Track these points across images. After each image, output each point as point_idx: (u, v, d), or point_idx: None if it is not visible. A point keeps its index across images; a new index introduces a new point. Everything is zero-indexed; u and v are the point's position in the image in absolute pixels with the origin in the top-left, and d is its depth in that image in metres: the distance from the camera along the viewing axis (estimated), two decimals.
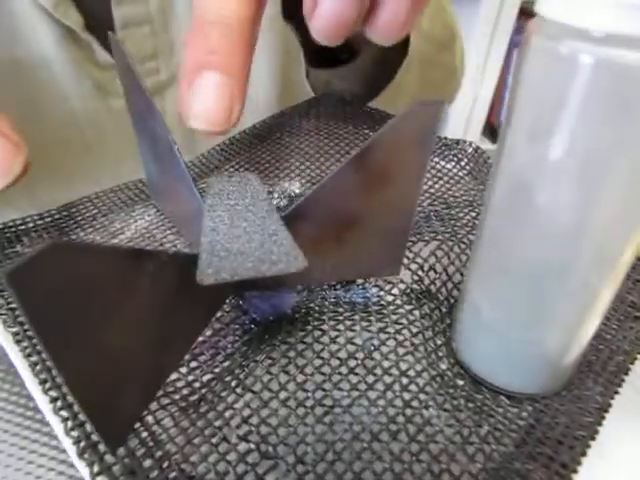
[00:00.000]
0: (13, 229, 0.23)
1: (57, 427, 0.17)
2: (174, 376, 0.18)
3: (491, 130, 1.02)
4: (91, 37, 0.35)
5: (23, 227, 0.24)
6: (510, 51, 0.88)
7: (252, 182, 0.20)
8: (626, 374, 0.19)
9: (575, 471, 0.15)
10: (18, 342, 0.18)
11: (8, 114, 0.21)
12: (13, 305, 0.19)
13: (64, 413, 0.16)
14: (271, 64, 0.40)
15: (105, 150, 0.41)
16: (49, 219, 0.24)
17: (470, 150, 0.28)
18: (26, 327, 0.19)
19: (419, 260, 0.22)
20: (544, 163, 0.14)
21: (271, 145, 0.29)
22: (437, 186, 0.26)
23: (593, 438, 0.16)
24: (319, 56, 0.37)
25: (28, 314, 0.10)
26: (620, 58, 0.12)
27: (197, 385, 0.18)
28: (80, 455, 0.15)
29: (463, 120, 0.91)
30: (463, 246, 0.22)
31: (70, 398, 0.17)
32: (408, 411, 0.17)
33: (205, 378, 0.18)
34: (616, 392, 0.18)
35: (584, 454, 0.16)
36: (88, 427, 0.16)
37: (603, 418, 0.17)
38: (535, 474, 0.15)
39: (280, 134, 0.30)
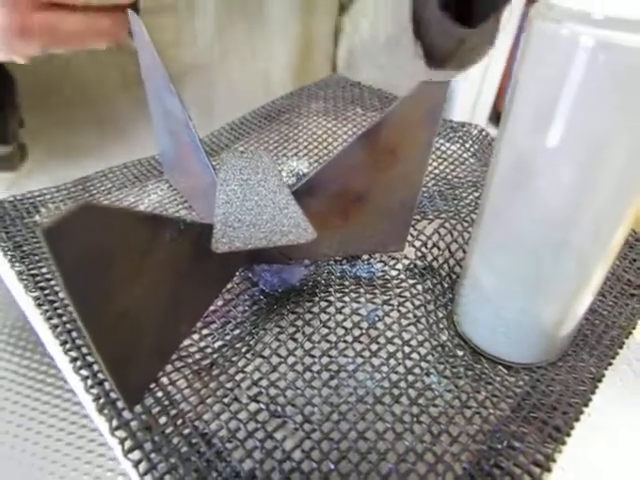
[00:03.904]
0: (31, 200, 0.24)
1: (77, 385, 0.18)
2: (187, 342, 0.19)
3: (497, 116, 1.02)
4: None
5: (40, 199, 0.24)
6: (518, 37, 0.88)
7: (263, 158, 0.21)
8: (621, 348, 0.19)
9: (568, 434, 0.16)
10: (39, 306, 0.19)
11: None
12: (34, 271, 0.20)
13: (84, 372, 0.17)
14: (288, 50, 0.41)
15: (123, 135, 0.41)
16: (65, 192, 0.25)
17: (475, 132, 0.28)
18: (47, 292, 0.20)
19: (423, 237, 0.23)
20: (544, 143, 0.15)
21: (280, 125, 0.30)
22: (442, 167, 0.26)
23: (586, 405, 0.17)
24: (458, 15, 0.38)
25: (60, 268, 0.11)
26: (619, 40, 0.13)
27: (209, 350, 0.19)
28: (100, 411, 0.16)
29: (469, 106, 0.91)
30: (466, 224, 0.23)
31: (89, 358, 0.18)
32: (410, 377, 0.17)
33: (216, 344, 0.19)
34: (610, 364, 0.19)
35: (577, 419, 0.17)
36: (107, 385, 0.17)
37: (596, 387, 0.18)
38: (530, 436, 0.16)
39: (289, 115, 0.31)
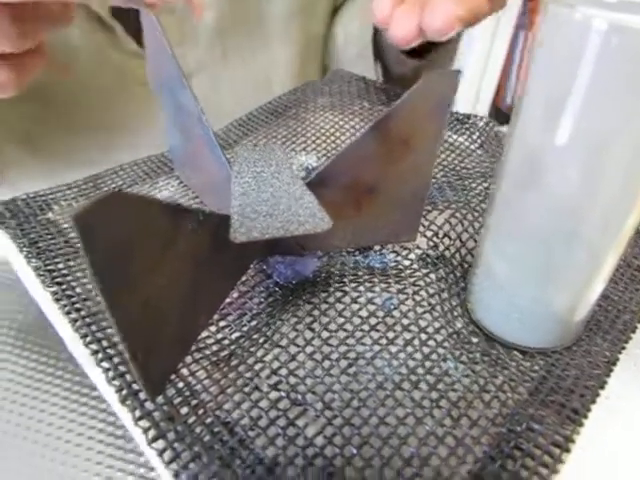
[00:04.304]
0: (43, 198, 0.24)
1: (97, 378, 0.18)
2: (204, 334, 0.19)
3: (497, 113, 1.02)
4: (117, 24, 0.35)
5: (52, 196, 0.25)
6: (516, 33, 0.88)
7: (276, 151, 0.21)
8: (633, 332, 0.20)
9: (585, 416, 0.16)
10: (57, 300, 0.19)
11: None
12: (50, 267, 0.20)
13: (105, 364, 0.17)
14: (288, 50, 0.41)
15: (124, 135, 0.41)
16: (76, 189, 0.25)
17: (481, 124, 0.28)
18: (64, 287, 0.20)
19: (434, 227, 0.23)
20: (557, 131, 0.15)
21: (287, 120, 0.30)
22: (450, 159, 0.27)
23: (602, 387, 0.17)
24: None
25: (89, 255, 0.11)
26: (632, 23, 0.13)
27: (226, 342, 0.19)
28: (122, 402, 0.16)
29: (469, 103, 0.91)
30: (476, 214, 0.23)
31: (110, 351, 0.18)
32: (427, 363, 0.18)
33: (234, 336, 0.19)
34: (623, 348, 0.19)
35: (594, 402, 0.17)
36: (128, 377, 0.17)
37: (611, 371, 0.18)
38: (548, 419, 0.16)
39: (296, 110, 0.31)
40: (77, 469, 0.35)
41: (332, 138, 0.28)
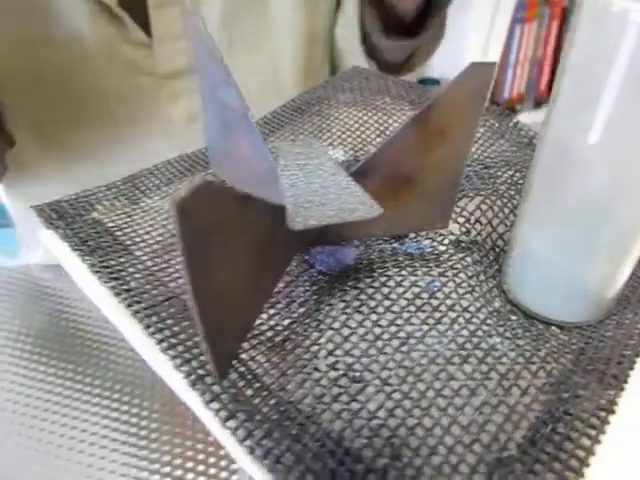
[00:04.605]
0: (85, 199, 0.25)
1: (162, 367, 0.19)
2: (257, 321, 0.20)
3: (495, 104, 1.04)
4: (125, 14, 0.36)
5: (94, 197, 0.25)
6: (512, 27, 0.90)
7: (315, 145, 0.22)
8: None
9: (625, 382, 0.17)
10: (117, 295, 0.20)
11: None
12: (104, 264, 0.21)
13: (171, 352, 0.18)
14: (293, 41, 0.42)
15: (132, 126, 0.42)
16: (115, 190, 0.26)
17: (501, 115, 0.29)
18: (120, 282, 0.21)
19: (465, 214, 0.24)
20: (591, 126, 0.16)
21: (311, 117, 0.31)
22: (474, 149, 0.28)
23: (637, 356, 0.18)
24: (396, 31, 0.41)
25: (181, 236, 0.12)
26: None
27: (279, 328, 0.20)
28: (192, 386, 0.17)
29: None
30: (505, 200, 0.24)
31: (172, 340, 0.19)
32: (474, 339, 0.19)
33: (285, 322, 0.20)
34: None
35: (632, 368, 0.18)
36: (194, 363, 0.18)
37: None
38: (591, 385, 0.17)
39: (319, 107, 0.32)
40: (82, 465, 0.36)
41: (357, 133, 0.29)
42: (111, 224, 0.24)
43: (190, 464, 0.39)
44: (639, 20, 0.14)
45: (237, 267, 0.16)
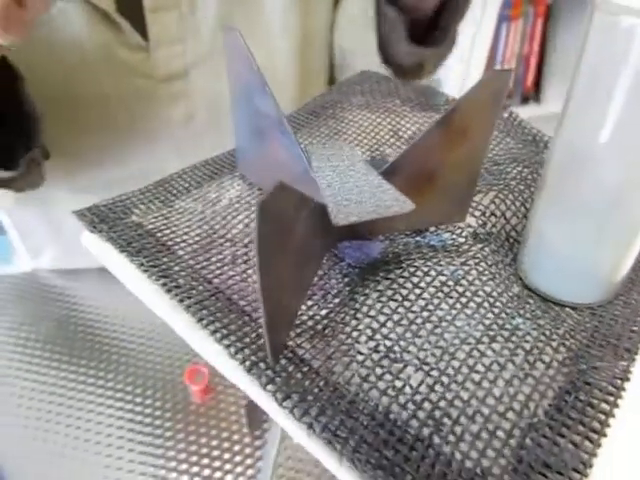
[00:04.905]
0: (122, 203, 0.27)
1: (216, 356, 0.20)
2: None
3: None
4: (123, 19, 0.37)
5: (129, 201, 0.27)
6: (499, 26, 0.92)
7: (344, 147, 0.24)
8: None
9: (637, 353, 0.19)
10: (168, 291, 0.22)
11: None
12: (152, 263, 0.23)
13: (226, 341, 0.20)
14: (288, 40, 0.43)
15: (132, 129, 0.43)
16: (149, 194, 0.28)
17: (505, 115, 0.31)
18: (169, 279, 0.22)
19: (481, 207, 0.26)
20: (601, 129, 0.18)
21: (326, 120, 0.33)
22: None
23: None
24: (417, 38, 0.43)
25: (259, 231, 0.14)
26: None
27: (318, 318, 0.22)
28: (249, 371, 0.19)
29: (457, 93, 0.95)
30: (516, 194, 0.26)
31: (224, 331, 0.20)
32: (499, 321, 0.21)
33: (323, 312, 0.22)
34: None
35: None
36: (247, 351, 0.20)
37: None
38: (607, 357, 0.19)
39: (333, 110, 0.33)
40: (99, 466, 0.38)
41: (372, 134, 0.31)
42: (150, 226, 0.25)
43: (206, 460, 0.41)
44: None
45: (289, 261, 0.18)
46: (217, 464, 0.40)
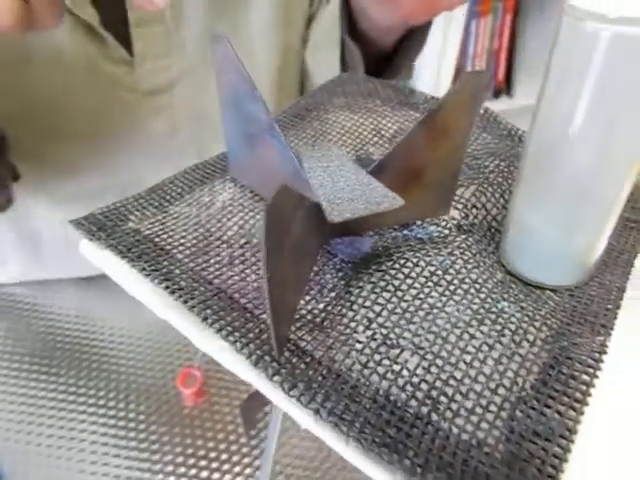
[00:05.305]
0: (117, 211, 0.27)
1: (221, 352, 0.21)
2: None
3: None
4: (107, 33, 0.37)
5: (123, 208, 0.27)
6: (469, 22, 0.95)
7: (333, 149, 0.25)
8: (632, 267, 0.25)
9: (612, 328, 0.21)
10: (172, 293, 0.22)
11: None
12: (153, 267, 0.24)
13: (231, 338, 0.21)
14: (268, 62, 0.44)
15: (114, 141, 0.43)
16: (142, 200, 0.28)
17: (482, 111, 0.33)
18: (172, 282, 0.23)
19: (463, 200, 0.27)
20: (571, 123, 0.20)
21: (311, 122, 0.34)
22: None
23: (618, 308, 0.22)
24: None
25: (266, 230, 0.15)
26: (630, 33, 0.18)
27: (316, 311, 0.23)
28: (255, 364, 0.20)
29: (430, 89, 0.97)
30: (495, 187, 0.28)
31: (229, 328, 0.21)
32: (486, 305, 0.22)
33: (320, 306, 0.23)
34: (628, 279, 0.24)
35: (615, 318, 0.22)
36: (252, 346, 0.21)
37: (623, 296, 0.23)
38: (585, 334, 0.21)
39: (317, 112, 0.35)
40: (85, 473, 0.39)
41: (355, 134, 0.32)
42: (148, 232, 0.26)
43: (192, 460, 0.41)
44: (608, 36, 0.18)
45: (288, 259, 0.19)
46: (215, 465, 0.41)
